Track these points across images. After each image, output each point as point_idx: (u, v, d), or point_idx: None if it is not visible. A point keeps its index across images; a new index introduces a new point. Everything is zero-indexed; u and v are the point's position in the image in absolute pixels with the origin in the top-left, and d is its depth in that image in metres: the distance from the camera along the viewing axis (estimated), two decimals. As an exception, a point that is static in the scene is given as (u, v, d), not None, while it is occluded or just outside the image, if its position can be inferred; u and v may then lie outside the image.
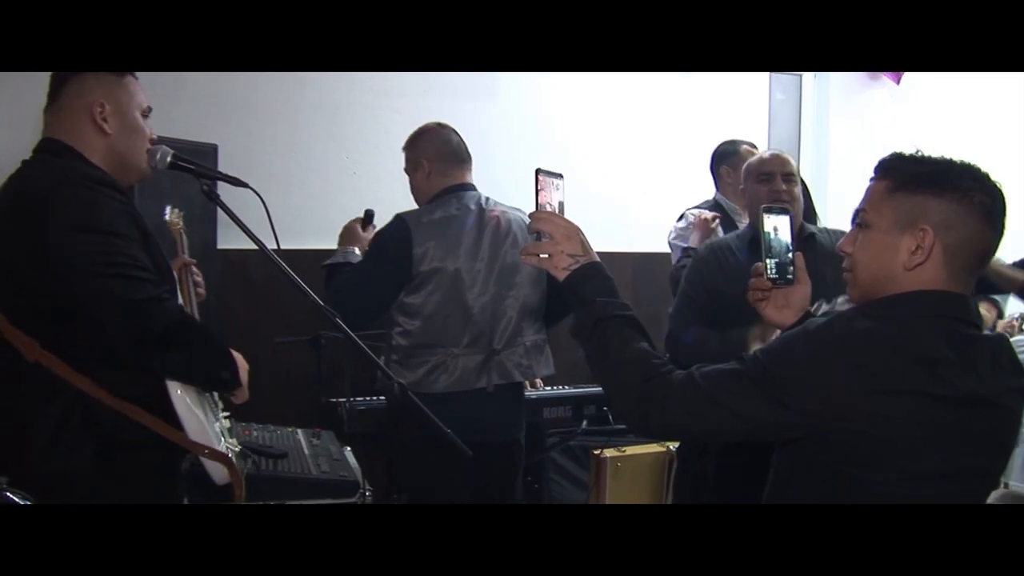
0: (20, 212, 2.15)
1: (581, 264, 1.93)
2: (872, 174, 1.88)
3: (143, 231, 2.23)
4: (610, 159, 5.96)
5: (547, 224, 1.96)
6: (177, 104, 4.52)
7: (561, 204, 2.01)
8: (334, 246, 5.11)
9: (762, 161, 3.40)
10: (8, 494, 1.57)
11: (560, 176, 2.06)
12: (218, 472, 2.25)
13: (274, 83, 5.04)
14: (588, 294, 1.92)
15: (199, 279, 2.76)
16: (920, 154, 1.83)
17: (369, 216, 3.75)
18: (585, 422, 4.87)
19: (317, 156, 5.20)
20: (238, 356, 2.35)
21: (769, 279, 2.05)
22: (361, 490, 3.23)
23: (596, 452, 4.37)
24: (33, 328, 2.15)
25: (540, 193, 1.99)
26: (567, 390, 4.97)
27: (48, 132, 2.31)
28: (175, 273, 2.63)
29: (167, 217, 2.78)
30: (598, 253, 1.97)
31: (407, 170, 3.57)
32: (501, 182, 3.95)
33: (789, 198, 3.24)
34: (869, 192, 1.86)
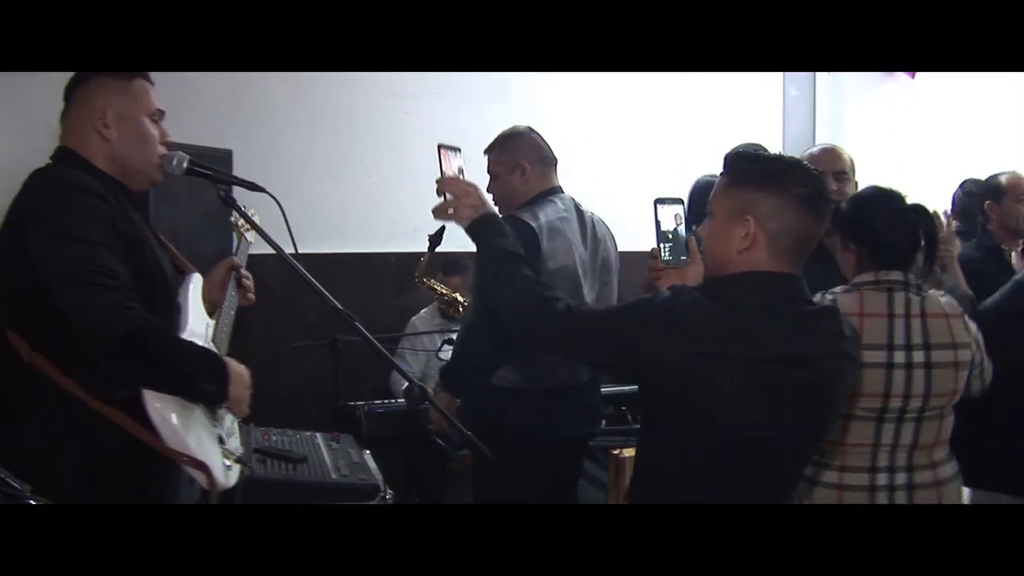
0: (13, 218, 2.19)
1: (480, 214, 2.32)
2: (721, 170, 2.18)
3: (130, 238, 2.23)
4: (621, 158, 5.96)
5: (451, 186, 2.37)
6: (192, 110, 4.54)
7: (461, 169, 2.43)
8: (350, 249, 5.14)
9: (813, 158, 3.28)
10: (31, 502, 1.56)
11: (458, 149, 2.47)
12: (200, 479, 2.25)
13: (289, 88, 5.05)
14: (487, 236, 2.32)
15: (247, 282, 2.73)
16: (754, 152, 2.19)
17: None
18: (604, 422, 4.87)
19: (332, 160, 5.21)
20: (239, 369, 2.33)
21: (663, 261, 2.28)
22: (381, 493, 3.22)
23: (615, 452, 4.35)
24: (24, 330, 2.17)
25: (443, 163, 2.40)
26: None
27: (61, 139, 2.33)
28: (221, 273, 2.65)
29: (232, 218, 2.75)
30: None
31: (496, 172, 3.52)
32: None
33: (839, 198, 3.04)
34: (715, 186, 2.16)
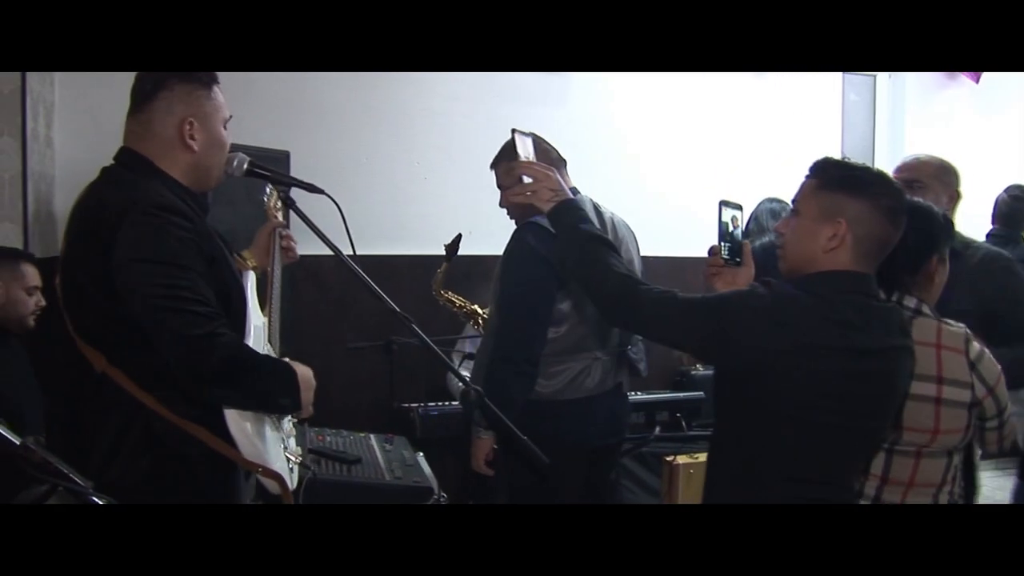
0: (91, 234, 2.16)
1: (562, 199, 2.48)
2: (807, 172, 2.27)
3: (211, 256, 2.22)
4: (681, 162, 5.92)
5: (530, 169, 2.51)
6: (251, 111, 4.56)
7: (534, 153, 2.59)
8: (405, 252, 5.15)
9: (897, 168, 3.30)
10: (94, 499, 1.57)
11: (531, 135, 2.68)
12: (273, 487, 2.26)
13: (345, 89, 5.08)
14: (571, 219, 2.47)
15: (289, 242, 2.73)
16: (845, 160, 2.28)
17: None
18: (658, 428, 4.84)
19: (388, 162, 5.23)
20: (304, 371, 2.32)
21: (723, 258, 2.43)
22: (435, 496, 3.23)
23: (669, 459, 4.33)
24: (100, 343, 2.17)
25: (519, 146, 2.56)
26: (640, 396, 4.94)
27: (130, 141, 2.30)
28: (264, 238, 2.69)
29: (265, 198, 2.75)
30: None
31: (509, 183, 3.26)
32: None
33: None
34: (801, 187, 2.27)
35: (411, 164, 5.27)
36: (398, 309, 2.38)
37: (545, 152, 3.36)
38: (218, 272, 2.24)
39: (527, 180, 2.50)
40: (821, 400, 2.14)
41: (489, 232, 4.34)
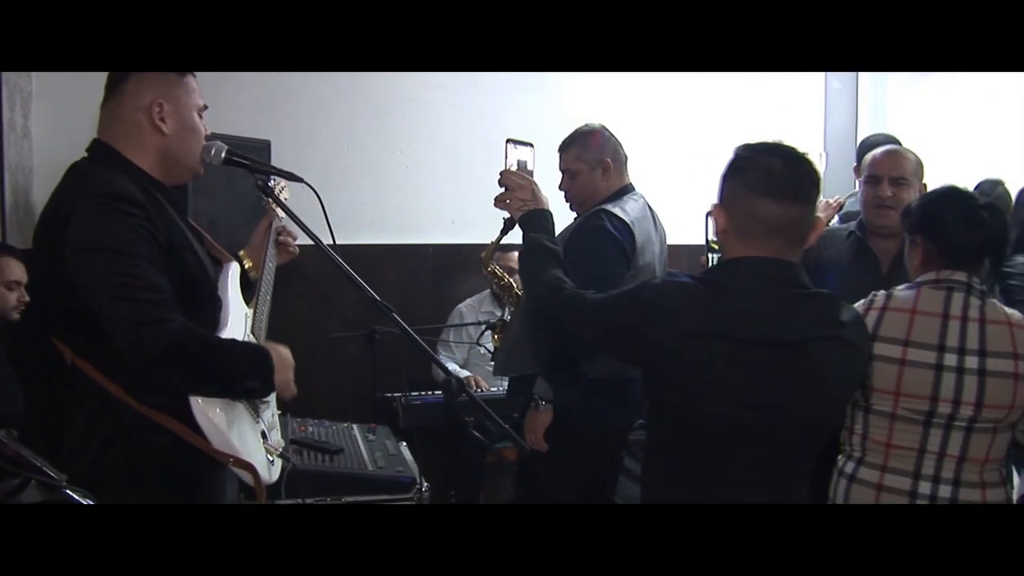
0: (48, 227, 2.16)
1: (529, 208, 2.60)
2: None
3: (169, 243, 2.20)
4: (659, 153, 5.91)
5: (507, 178, 2.65)
6: (230, 100, 4.55)
7: (522, 163, 2.71)
8: (388, 241, 5.14)
9: (874, 161, 3.27)
10: (68, 492, 1.56)
11: (529, 144, 2.78)
12: (247, 478, 2.25)
13: (325, 79, 5.05)
14: (530, 228, 2.60)
15: (287, 238, 2.73)
16: (740, 144, 2.16)
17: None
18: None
19: (369, 151, 5.20)
20: (282, 353, 2.32)
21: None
22: (418, 486, 3.22)
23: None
24: (65, 335, 2.17)
25: (508, 156, 2.69)
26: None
27: (101, 131, 2.30)
28: (260, 234, 2.71)
29: (263, 201, 2.74)
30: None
31: (577, 169, 3.47)
32: (548, 175, 3.93)
33: (895, 204, 3.11)
34: None
35: (393, 153, 5.24)
36: (378, 298, 2.37)
37: (617, 147, 3.53)
38: (179, 260, 2.23)
39: (506, 189, 2.66)
40: (717, 393, 2.07)
41: (471, 222, 4.35)
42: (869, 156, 3.33)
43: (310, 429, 3.53)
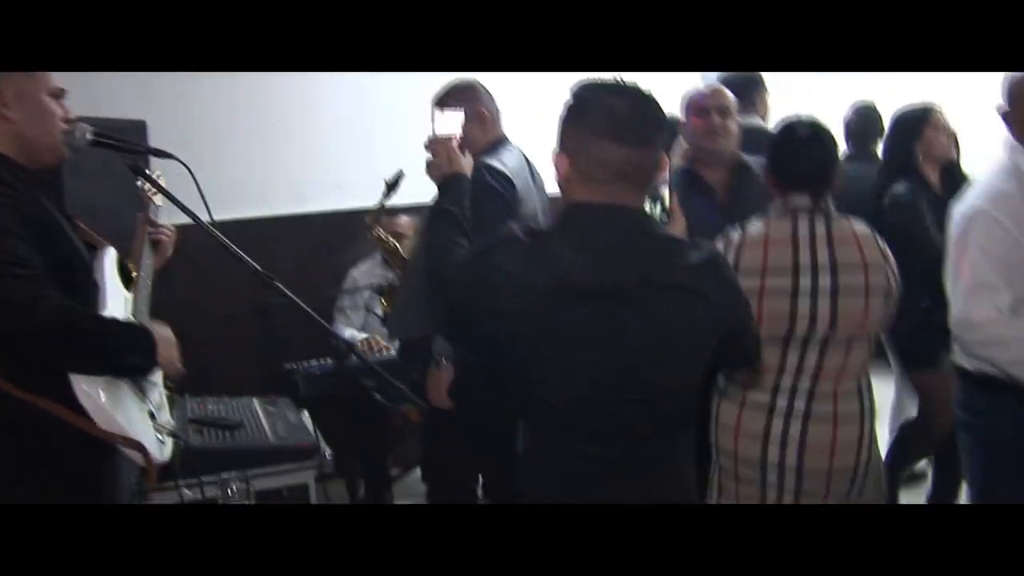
0: None
1: (443, 174, 2.51)
2: None
3: (40, 222, 2.19)
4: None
5: (431, 144, 2.61)
6: (103, 82, 4.45)
7: (448, 127, 2.65)
8: (278, 212, 5.11)
9: (700, 95, 3.46)
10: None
11: (459, 108, 2.79)
12: (137, 458, 2.25)
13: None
14: (444, 195, 2.47)
15: (163, 236, 2.72)
16: (579, 84, 2.01)
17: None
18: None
19: (251, 124, 5.15)
20: (162, 331, 2.33)
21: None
22: (320, 453, 3.26)
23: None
24: None
25: (435, 122, 2.65)
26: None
27: None
28: (141, 231, 2.67)
29: (139, 186, 2.72)
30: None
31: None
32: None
33: (724, 133, 3.33)
34: None
35: (273, 124, 5.20)
36: (259, 269, 2.39)
37: (493, 98, 3.48)
38: (53, 241, 2.22)
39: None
40: (551, 349, 1.96)
41: (356, 187, 4.36)
42: (693, 93, 3.51)
43: (209, 407, 3.53)
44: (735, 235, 2.70)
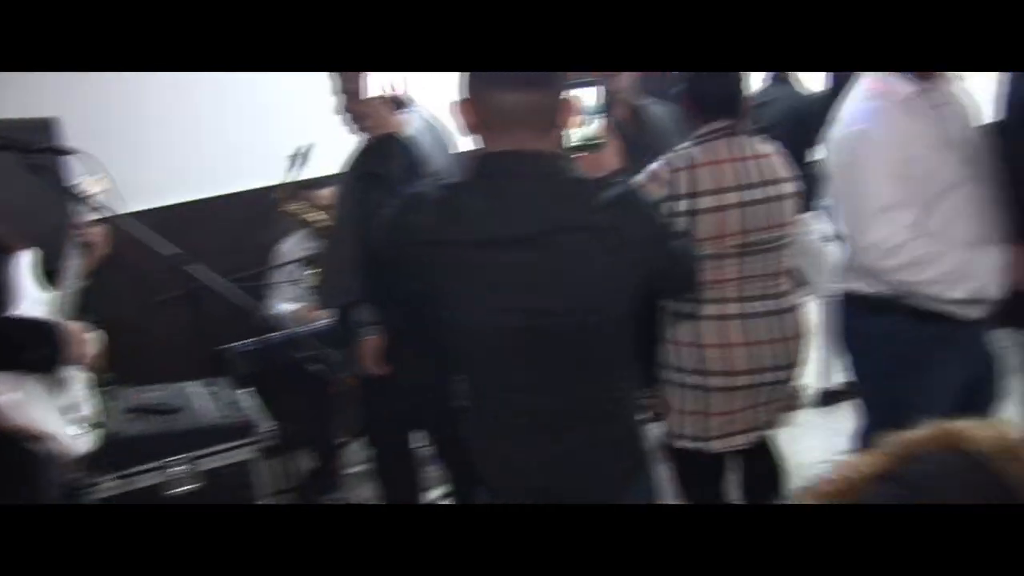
0: None
1: (374, 135, 2.60)
2: None
3: None
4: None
5: (359, 106, 2.67)
6: (11, 82, 4.43)
7: (383, 89, 2.69)
8: (198, 196, 5.08)
9: None
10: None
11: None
12: (54, 451, 2.29)
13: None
14: (372, 158, 2.57)
15: (92, 238, 2.73)
16: None
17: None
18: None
19: (165, 111, 5.12)
20: (72, 327, 2.36)
21: (572, 146, 2.18)
22: (260, 430, 3.31)
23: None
24: None
25: (360, 87, 2.66)
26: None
27: None
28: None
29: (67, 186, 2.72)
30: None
31: (352, 88, 3.18)
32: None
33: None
34: None
35: (188, 109, 5.16)
36: (177, 251, 2.40)
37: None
38: None
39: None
40: (470, 300, 2.00)
41: (271, 163, 4.37)
42: None
43: (148, 395, 3.57)
44: (678, 158, 2.90)
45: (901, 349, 2.77)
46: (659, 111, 3.44)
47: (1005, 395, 2.85)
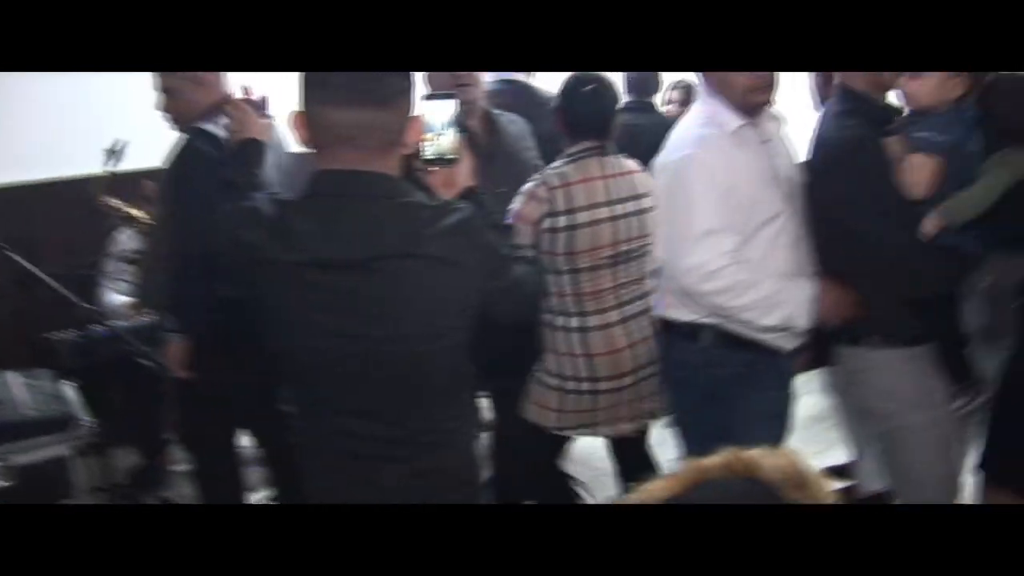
0: None
1: (237, 139, 2.53)
2: None
3: None
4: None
5: (228, 108, 2.65)
6: None
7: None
8: (30, 178, 4.91)
9: None
10: None
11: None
12: None
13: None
14: (238, 161, 2.46)
15: None
16: None
17: None
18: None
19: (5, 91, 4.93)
20: None
21: (423, 160, 2.11)
22: (79, 423, 3.22)
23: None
24: None
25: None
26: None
27: None
28: None
29: None
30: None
31: (170, 87, 3.21)
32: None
33: (471, 82, 3.33)
34: None
35: (27, 89, 4.96)
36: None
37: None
38: None
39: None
40: (297, 324, 1.93)
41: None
42: None
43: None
44: (551, 177, 3.03)
45: (715, 376, 2.81)
46: (512, 121, 3.45)
47: (795, 426, 2.93)
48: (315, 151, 1.90)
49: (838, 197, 2.71)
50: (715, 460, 1.10)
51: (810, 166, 2.83)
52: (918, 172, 2.61)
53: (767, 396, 2.85)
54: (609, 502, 1.49)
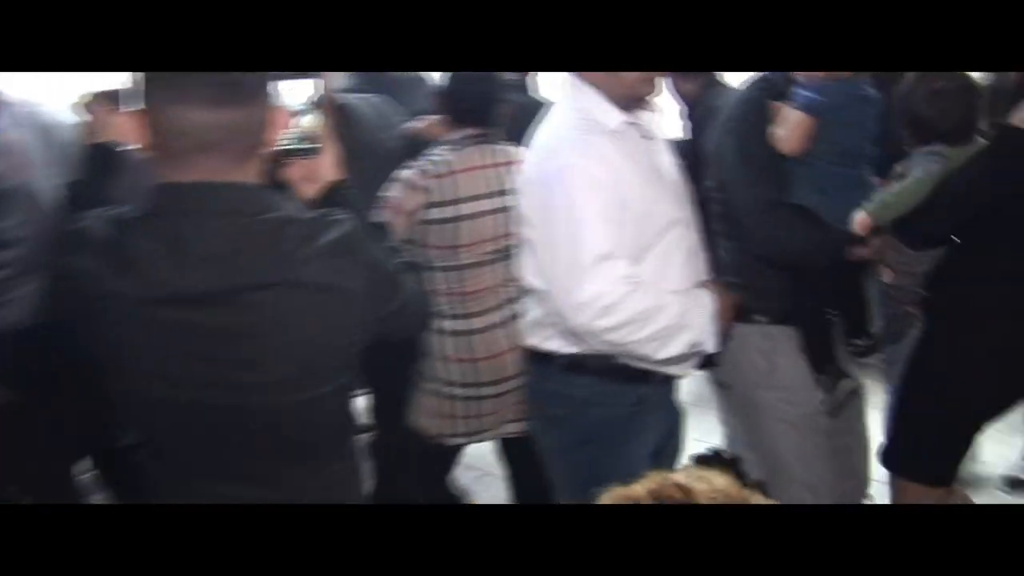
0: None
1: (91, 143, 2.09)
2: None
3: None
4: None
5: (87, 105, 2.13)
6: None
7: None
8: None
9: None
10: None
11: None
12: None
13: None
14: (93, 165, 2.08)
15: None
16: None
17: None
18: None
19: None
20: None
21: (282, 151, 1.75)
22: None
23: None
24: None
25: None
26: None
27: None
28: None
29: None
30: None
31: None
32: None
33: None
34: None
35: None
36: None
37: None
38: None
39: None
40: (141, 367, 1.55)
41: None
42: None
43: None
44: (435, 166, 2.84)
45: (601, 416, 2.41)
46: (366, 108, 3.18)
47: (683, 449, 2.64)
48: (158, 160, 1.54)
49: (716, 152, 2.66)
50: (642, 487, 1.04)
51: (692, 144, 2.75)
52: (789, 126, 2.49)
53: (659, 431, 2.51)
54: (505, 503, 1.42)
